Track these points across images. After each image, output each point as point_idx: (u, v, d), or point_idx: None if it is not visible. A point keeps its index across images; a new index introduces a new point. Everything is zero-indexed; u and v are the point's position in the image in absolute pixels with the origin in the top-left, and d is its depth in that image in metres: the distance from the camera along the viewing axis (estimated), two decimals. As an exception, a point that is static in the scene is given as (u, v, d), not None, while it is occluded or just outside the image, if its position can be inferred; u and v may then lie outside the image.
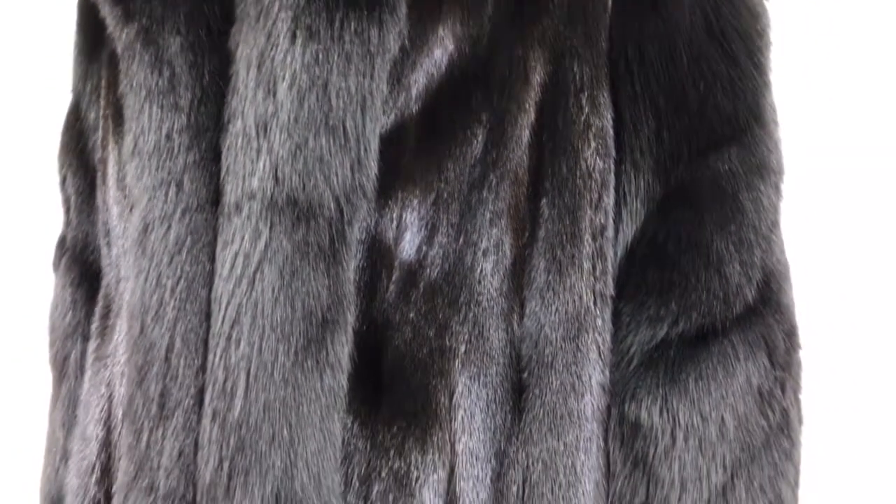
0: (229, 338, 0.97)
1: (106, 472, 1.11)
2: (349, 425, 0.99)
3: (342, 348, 0.97)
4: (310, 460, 0.96)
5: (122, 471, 1.04)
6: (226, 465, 0.96)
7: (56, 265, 1.30)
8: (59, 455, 1.25)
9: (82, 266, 1.26)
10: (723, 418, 1.02)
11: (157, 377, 1.01)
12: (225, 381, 0.96)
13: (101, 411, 1.13)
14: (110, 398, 1.12)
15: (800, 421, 1.07)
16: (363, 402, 0.99)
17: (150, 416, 1.01)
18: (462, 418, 0.99)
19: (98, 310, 1.19)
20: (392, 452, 0.98)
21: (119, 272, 1.12)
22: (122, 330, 1.09)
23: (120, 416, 1.08)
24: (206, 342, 0.99)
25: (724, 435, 1.02)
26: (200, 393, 0.99)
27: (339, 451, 0.97)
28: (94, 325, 1.19)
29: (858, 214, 1.78)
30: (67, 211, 1.29)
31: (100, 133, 1.18)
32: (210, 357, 0.98)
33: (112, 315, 1.14)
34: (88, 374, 1.17)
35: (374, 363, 1.00)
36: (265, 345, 0.96)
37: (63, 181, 1.28)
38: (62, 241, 1.30)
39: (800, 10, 1.73)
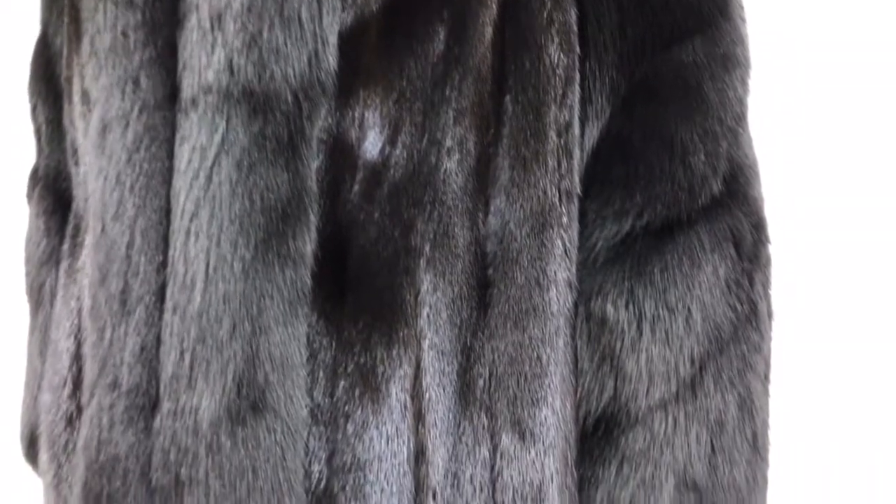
0: (188, 231, 0.96)
1: (78, 386, 1.10)
2: (314, 323, 0.98)
3: (304, 244, 0.97)
4: (272, 352, 0.95)
5: (88, 369, 1.04)
6: (187, 356, 0.95)
7: (29, 195, 1.29)
8: (36, 383, 1.24)
9: (55, 194, 1.25)
10: (689, 310, 1.01)
11: (118, 274, 1.00)
12: (185, 274, 0.96)
13: (72, 325, 1.12)
14: (80, 311, 1.11)
15: (769, 315, 1.06)
16: (327, 300, 0.98)
17: (113, 312, 1.00)
18: (428, 315, 0.99)
19: (69, 230, 1.18)
20: (358, 348, 0.98)
21: (87, 190, 1.11)
22: (89, 242, 1.09)
23: (88, 324, 1.08)
24: (166, 239, 0.98)
25: (692, 327, 1.01)
26: (162, 289, 0.98)
27: (305, 348, 0.97)
28: (66, 246, 1.18)
29: (855, 212, 1.76)
30: (39, 140, 1.28)
31: (64, 52, 1.17)
32: (170, 252, 0.97)
33: (82, 232, 1.14)
34: (60, 293, 1.17)
35: (338, 262, 0.99)
36: (224, 237, 0.95)
37: (34, 109, 1.27)
38: (35, 172, 1.29)
39: (798, 8, 1.72)
